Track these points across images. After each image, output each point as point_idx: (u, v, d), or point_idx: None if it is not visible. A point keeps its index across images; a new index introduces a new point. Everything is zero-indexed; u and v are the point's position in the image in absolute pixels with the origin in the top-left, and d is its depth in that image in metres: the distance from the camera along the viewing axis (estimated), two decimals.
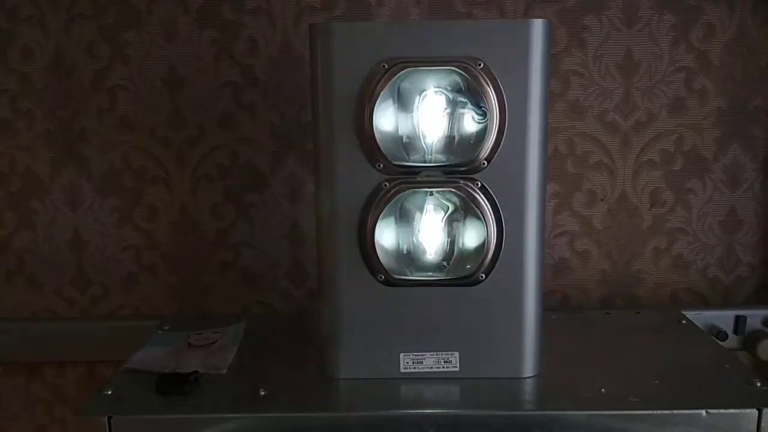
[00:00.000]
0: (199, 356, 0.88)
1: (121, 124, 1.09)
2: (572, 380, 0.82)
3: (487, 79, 0.74)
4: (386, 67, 0.74)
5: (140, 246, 1.13)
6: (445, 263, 0.81)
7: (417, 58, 0.75)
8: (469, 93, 0.77)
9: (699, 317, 1.06)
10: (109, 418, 0.75)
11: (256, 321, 1.01)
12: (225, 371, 0.85)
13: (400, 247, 0.81)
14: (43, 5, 1.06)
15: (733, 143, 1.10)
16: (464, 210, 0.80)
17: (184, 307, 1.15)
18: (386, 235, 0.79)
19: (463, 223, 0.80)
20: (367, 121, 0.75)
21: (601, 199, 1.11)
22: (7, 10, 1.06)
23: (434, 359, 0.81)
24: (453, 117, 0.78)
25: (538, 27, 0.75)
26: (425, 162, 0.78)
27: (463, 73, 0.75)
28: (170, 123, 1.09)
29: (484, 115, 0.76)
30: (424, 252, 0.81)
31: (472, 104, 0.77)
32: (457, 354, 0.81)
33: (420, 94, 0.77)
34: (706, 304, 1.14)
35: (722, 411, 0.74)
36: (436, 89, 0.77)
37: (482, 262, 0.78)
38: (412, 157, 0.78)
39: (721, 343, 1.02)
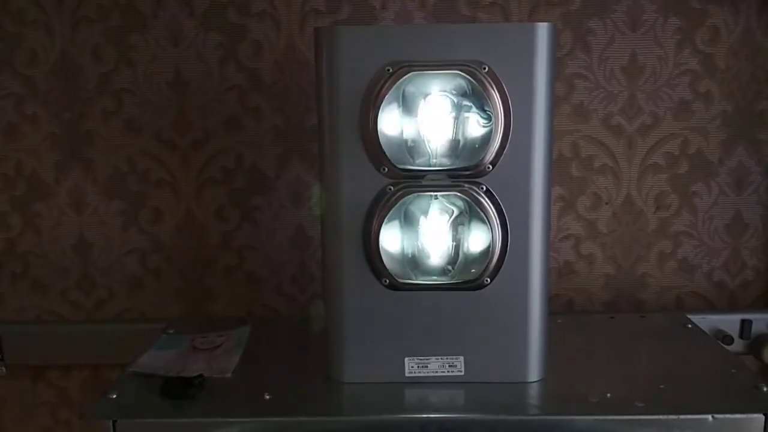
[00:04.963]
0: (204, 360, 0.88)
1: (127, 127, 1.09)
2: (577, 384, 0.82)
3: (492, 82, 0.74)
4: (391, 70, 0.74)
5: (145, 249, 1.13)
6: (449, 267, 0.81)
7: (422, 61, 0.75)
8: (473, 97, 0.76)
9: (704, 321, 1.06)
10: (114, 421, 0.75)
11: (260, 324, 1.01)
12: (230, 375, 0.85)
13: (405, 251, 0.81)
14: (49, 9, 1.06)
15: (738, 146, 1.10)
16: (469, 214, 0.79)
17: (189, 310, 1.15)
18: (391, 239, 0.79)
19: (468, 227, 0.80)
20: (372, 125, 0.75)
21: (606, 203, 1.11)
22: (13, 13, 1.07)
23: (439, 363, 0.81)
24: (458, 121, 0.77)
25: (542, 30, 0.75)
26: (430, 166, 0.78)
27: (468, 77, 0.75)
28: (175, 126, 1.09)
29: (489, 118, 0.76)
30: (428, 256, 0.81)
31: (477, 108, 0.77)
32: (462, 358, 0.81)
33: (425, 98, 0.77)
34: (711, 308, 1.14)
35: (728, 416, 0.73)
36: (441, 93, 0.77)
37: (487, 266, 0.78)
38: (416, 161, 0.78)
39: (726, 347, 1.01)
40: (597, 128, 1.09)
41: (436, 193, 0.79)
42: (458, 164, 0.77)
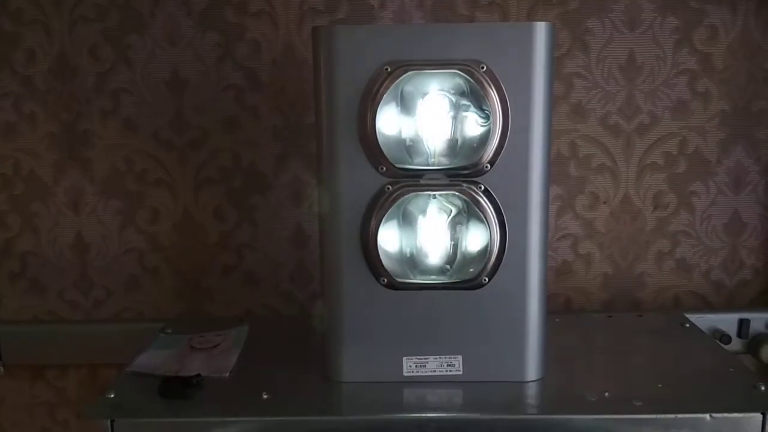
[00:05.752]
0: (202, 359, 0.88)
1: (124, 126, 1.09)
2: (575, 384, 0.82)
3: (490, 82, 0.74)
4: (389, 70, 0.74)
5: (143, 249, 1.13)
6: (448, 266, 0.81)
7: (420, 61, 0.75)
8: (472, 96, 0.77)
9: (702, 320, 1.06)
10: (112, 421, 0.75)
11: (258, 324, 1.01)
12: (228, 374, 0.85)
13: (403, 250, 0.81)
14: (47, 8, 1.06)
15: (736, 146, 1.10)
16: (467, 213, 0.79)
17: (187, 309, 1.15)
18: (389, 239, 0.79)
19: (466, 227, 0.80)
20: (370, 124, 0.75)
21: (604, 202, 1.11)
22: (11, 13, 1.06)
23: (437, 363, 0.81)
24: (456, 120, 0.77)
25: (541, 30, 0.75)
26: (428, 165, 0.78)
27: (466, 76, 0.75)
28: (173, 126, 1.09)
29: (487, 118, 0.76)
30: (427, 255, 0.81)
31: (475, 107, 0.77)
32: (460, 357, 0.81)
33: (423, 97, 0.77)
34: (709, 307, 1.14)
35: (726, 415, 0.73)
36: (439, 92, 0.77)
37: (485, 265, 0.78)
38: (415, 160, 0.78)
39: (724, 346, 1.02)
40: (595, 128, 1.09)
41: (434, 193, 0.79)
42: (456, 163, 0.77)
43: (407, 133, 0.78)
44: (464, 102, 0.77)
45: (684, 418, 0.74)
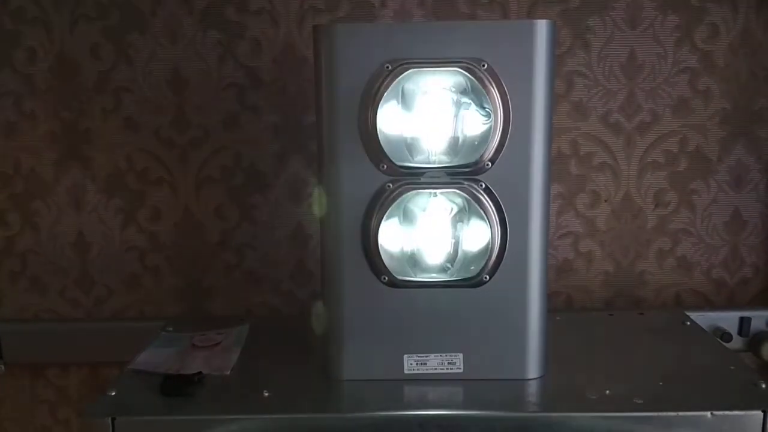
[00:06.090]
0: (203, 357, 0.88)
1: (125, 125, 1.09)
2: (576, 382, 0.82)
3: (491, 79, 0.74)
4: (390, 68, 0.74)
5: (144, 247, 1.13)
6: (449, 265, 0.81)
7: (421, 59, 0.75)
8: (473, 94, 0.76)
9: (703, 318, 1.06)
10: (113, 419, 0.75)
11: (259, 322, 1.01)
12: (229, 372, 0.85)
13: (404, 248, 0.81)
14: (48, 7, 1.06)
15: (737, 144, 1.10)
16: (468, 211, 0.79)
17: (188, 308, 1.15)
18: (390, 237, 0.79)
19: (467, 225, 0.80)
20: (371, 122, 0.75)
21: (605, 200, 1.11)
22: (12, 11, 1.06)
23: (438, 360, 0.81)
24: (457, 118, 0.77)
25: (542, 28, 0.75)
26: (429, 163, 0.78)
27: (467, 74, 0.75)
28: (174, 124, 1.09)
29: (488, 115, 0.76)
30: (428, 253, 0.81)
31: (476, 105, 0.77)
32: (461, 355, 0.81)
33: (424, 95, 0.77)
34: (710, 305, 1.14)
35: (727, 413, 0.73)
36: (440, 90, 0.77)
37: (486, 263, 0.78)
38: (415, 158, 0.78)
39: (725, 344, 1.01)
40: (596, 126, 1.09)
41: (435, 191, 0.79)
42: (457, 161, 0.77)
43: (408, 131, 0.78)
44: (465, 100, 0.77)
45: (685, 416, 0.74)
